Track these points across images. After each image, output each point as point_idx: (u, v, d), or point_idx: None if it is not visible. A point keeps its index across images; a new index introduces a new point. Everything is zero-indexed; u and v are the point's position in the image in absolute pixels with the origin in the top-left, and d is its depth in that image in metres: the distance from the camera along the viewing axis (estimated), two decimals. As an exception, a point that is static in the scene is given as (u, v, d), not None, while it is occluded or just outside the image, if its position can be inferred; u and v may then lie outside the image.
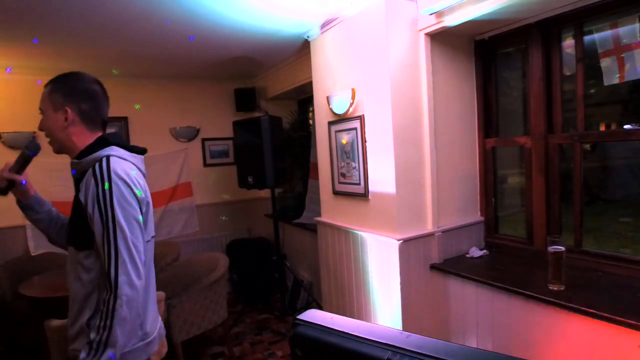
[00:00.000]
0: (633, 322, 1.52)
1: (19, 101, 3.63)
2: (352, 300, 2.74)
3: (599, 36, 2.01)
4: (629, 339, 1.55)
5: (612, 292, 1.79)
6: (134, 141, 4.47)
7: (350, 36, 2.55)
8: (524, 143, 2.39)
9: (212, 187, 4.70)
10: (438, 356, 0.65)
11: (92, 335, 1.16)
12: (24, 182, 1.44)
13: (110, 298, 1.17)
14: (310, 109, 4.32)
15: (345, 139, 2.67)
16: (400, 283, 2.31)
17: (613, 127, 2.31)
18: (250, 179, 3.70)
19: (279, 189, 4.38)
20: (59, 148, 1.39)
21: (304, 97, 4.61)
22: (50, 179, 3.48)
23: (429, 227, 2.44)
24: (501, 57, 2.58)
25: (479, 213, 2.68)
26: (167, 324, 2.62)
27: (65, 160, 1.40)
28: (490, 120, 2.60)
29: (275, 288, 4.24)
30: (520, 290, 1.93)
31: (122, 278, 1.18)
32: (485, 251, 2.52)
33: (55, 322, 2.07)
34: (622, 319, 1.55)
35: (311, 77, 3.06)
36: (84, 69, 1.44)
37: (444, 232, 2.46)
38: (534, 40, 2.24)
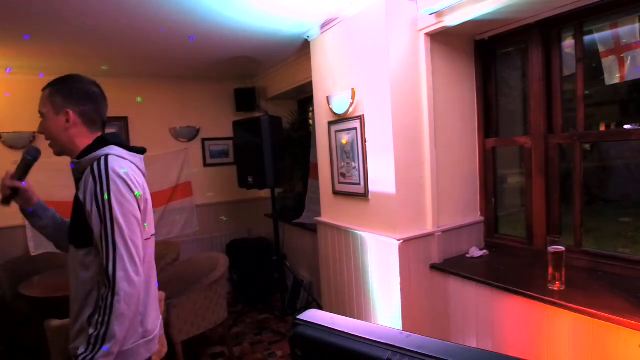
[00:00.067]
0: (633, 322, 1.51)
1: (19, 101, 3.62)
2: (352, 300, 2.74)
3: (600, 35, 2.01)
4: (629, 339, 1.55)
5: (612, 292, 1.79)
6: (134, 141, 4.49)
7: (350, 36, 2.55)
8: (524, 143, 2.39)
9: (212, 187, 4.70)
10: (438, 356, 0.65)
11: (91, 331, 1.18)
12: (24, 183, 1.44)
13: (108, 294, 1.18)
14: (310, 109, 4.32)
15: (345, 139, 2.67)
16: (400, 283, 2.31)
17: (613, 127, 2.31)
18: (250, 179, 3.70)
19: (279, 189, 4.37)
20: (60, 150, 1.39)
21: (304, 97, 4.61)
22: (51, 179, 3.49)
23: (429, 227, 2.44)
24: (501, 57, 2.58)
25: (479, 213, 2.68)
26: (167, 324, 2.62)
27: (65, 160, 1.40)
28: (490, 120, 2.60)
29: (275, 288, 4.24)
30: (520, 290, 1.93)
31: (119, 274, 1.19)
32: (485, 251, 2.52)
33: (55, 322, 2.07)
34: (622, 319, 1.55)
35: (311, 77, 3.06)
36: (84, 69, 1.45)
37: (444, 232, 2.46)
38: (534, 40, 2.24)
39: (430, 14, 2.23)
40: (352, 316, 2.69)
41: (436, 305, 2.43)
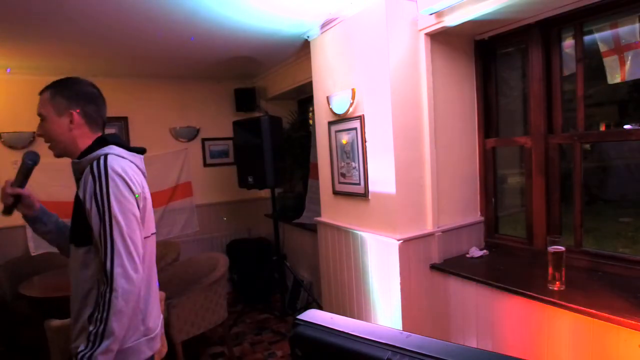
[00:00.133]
0: (633, 322, 1.51)
1: (19, 101, 3.63)
2: (352, 300, 2.74)
3: (601, 35, 2.01)
4: (629, 339, 1.55)
5: (612, 292, 1.79)
6: (134, 141, 4.49)
7: (350, 36, 2.55)
8: (524, 143, 2.39)
9: (212, 187, 4.71)
10: (438, 356, 0.65)
11: (90, 328, 1.19)
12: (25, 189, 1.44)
13: (107, 290, 1.18)
14: (310, 109, 4.32)
15: (345, 139, 2.67)
16: (400, 283, 2.31)
17: (613, 127, 2.31)
18: (250, 179, 3.70)
19: (279, 189, 4.37)
20: (61, 152, 1.40)
21: (304, 97, 4.61)
22: (50, 179, 3.49)
23: (429, 227, 2.44)
24: (501, 57, 2.58)
25: (479, 213, 2.68)
26: (167, 323, 2.62)
27: (65, 160, 1.41)
28: (490, 120, 2.60)
29: (275, 288, 4.24)
30: (520, 290, 1.93)
31: (117, 270, 1.19)
32: (485, 251, 2.52)
33: (56, 322, 2.07)
34: (622, 319, 1.55)
35: (311, 77, 3.06)
36: (84, 69, 1.45)
37: (444, 232, 2.46)
38: (534, 40, 2.24)
39: (430, 14, 2.23)
40: (352, 316, 2.69)
41: (436, 305, 2.43)
